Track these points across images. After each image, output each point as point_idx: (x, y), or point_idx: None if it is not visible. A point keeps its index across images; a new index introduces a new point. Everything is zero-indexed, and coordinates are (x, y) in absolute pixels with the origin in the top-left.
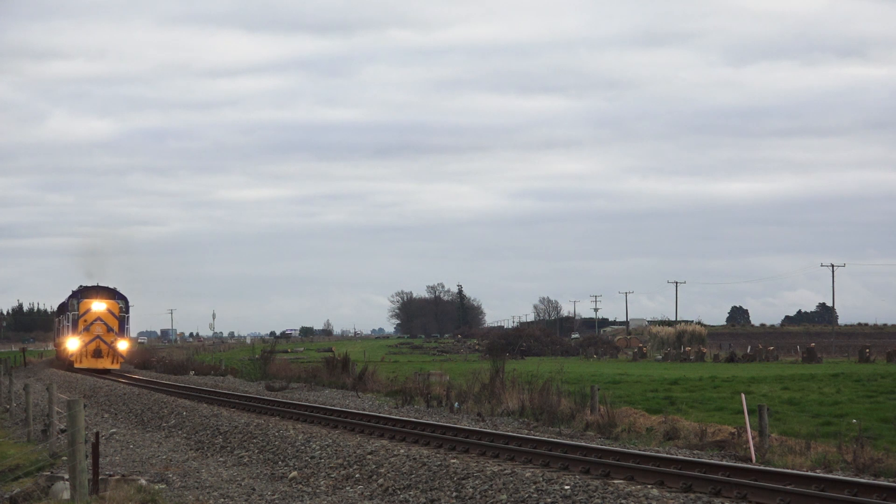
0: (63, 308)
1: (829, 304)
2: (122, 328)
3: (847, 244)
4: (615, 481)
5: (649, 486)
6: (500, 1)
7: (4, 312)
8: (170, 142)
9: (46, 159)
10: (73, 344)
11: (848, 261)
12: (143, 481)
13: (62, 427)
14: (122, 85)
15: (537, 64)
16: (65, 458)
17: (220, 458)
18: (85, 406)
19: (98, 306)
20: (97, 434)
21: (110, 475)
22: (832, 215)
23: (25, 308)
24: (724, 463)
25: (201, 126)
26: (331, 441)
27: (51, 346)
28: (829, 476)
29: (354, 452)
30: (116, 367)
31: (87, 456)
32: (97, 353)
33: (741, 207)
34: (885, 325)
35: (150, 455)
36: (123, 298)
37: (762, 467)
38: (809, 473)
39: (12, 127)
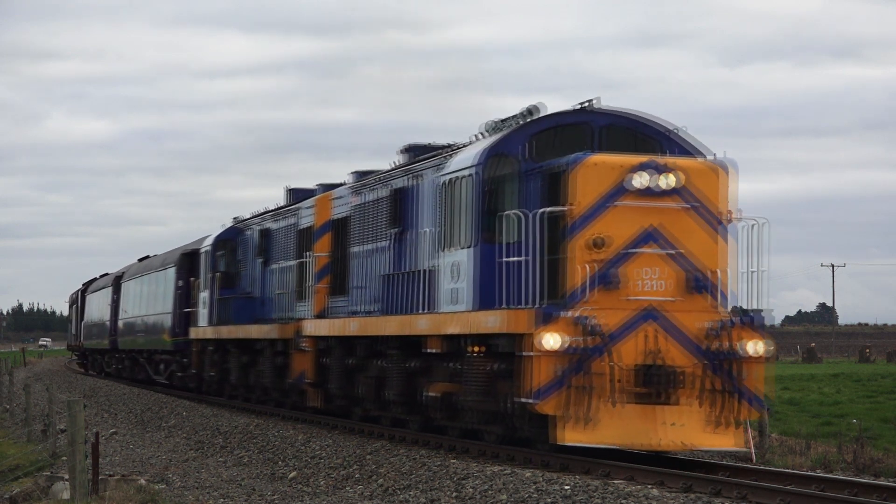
0: (269, 234)
1: (829, 304)
2: None
3: (847, 244)
4: (615, 481)
5: (649, 486)
6: (496, 2)
7: (4, 312)
8: (167, 142)
9: (46, 159)
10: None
11: (848, 261)
12: (143, 481)
13: (62, 427)
14: (120, 85)
15: (533, 65)
16: (65, 458)
17: (220, 459)
18: (85, 406)
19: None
20: (97, 434)
21: (110, 475)
22: (832, 215)
23: (25, 308)
24: (724, 463)
25: (199, 126)
26: (331, 441)
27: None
28: (829, 476)
29: (354, 452)
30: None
31: (87, 456)
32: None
33: (741, 207)
34: (885, 325)
35: (150, 455)
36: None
37: (762, 467)
38: (809, 473)
39: (11, 127)
